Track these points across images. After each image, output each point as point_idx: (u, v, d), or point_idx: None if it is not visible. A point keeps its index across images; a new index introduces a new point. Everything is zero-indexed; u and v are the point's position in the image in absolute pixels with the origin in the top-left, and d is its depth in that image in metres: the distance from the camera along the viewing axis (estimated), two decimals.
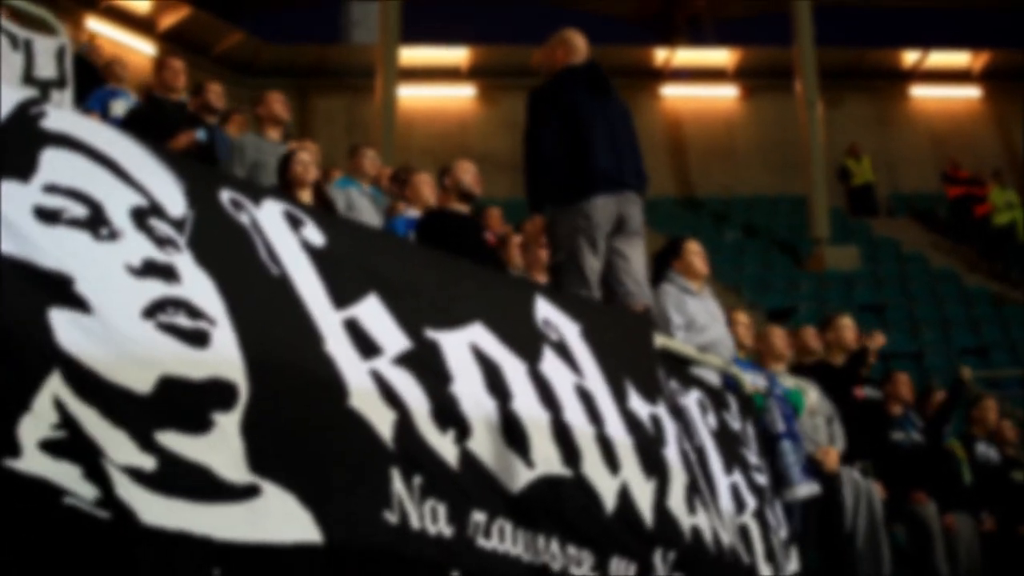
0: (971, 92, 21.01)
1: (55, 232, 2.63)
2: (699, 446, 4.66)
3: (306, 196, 6.05)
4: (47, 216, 2.63)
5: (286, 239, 3.21)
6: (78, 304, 2.58)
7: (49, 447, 2.46)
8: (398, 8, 17.17)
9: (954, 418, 8.21)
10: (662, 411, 4.33)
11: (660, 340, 4.81)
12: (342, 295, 3.24)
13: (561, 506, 3.66)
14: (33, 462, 2.43)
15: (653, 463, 4.13)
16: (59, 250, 2.61)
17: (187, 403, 2.70)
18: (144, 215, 2.83)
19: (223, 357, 2.80)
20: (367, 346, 3.24)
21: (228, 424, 2.74)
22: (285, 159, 6.29)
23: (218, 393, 2.75)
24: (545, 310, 4.02)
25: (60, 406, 2.47)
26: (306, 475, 2.87)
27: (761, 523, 4.91)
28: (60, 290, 2.57)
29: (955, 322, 15.08)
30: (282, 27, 22.31)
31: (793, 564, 5.13)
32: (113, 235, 2.73)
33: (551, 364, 3.90)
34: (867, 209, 18.76)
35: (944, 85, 20.90)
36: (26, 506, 2.47)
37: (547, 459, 3.66)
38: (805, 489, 5.56)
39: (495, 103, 19.34)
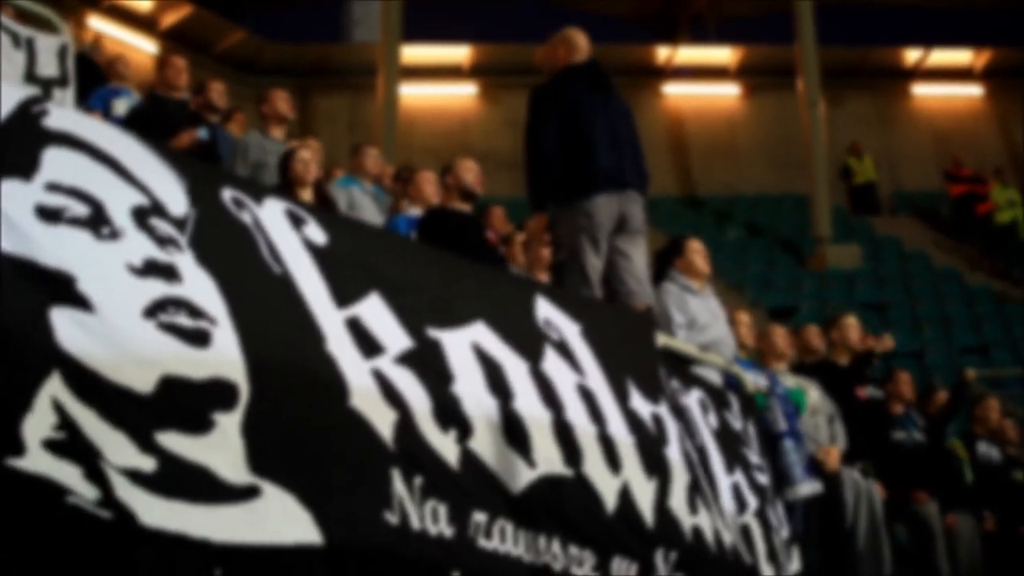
0: (973, 90, 21.00)
1: (56, 231, 2.63)
2: (700, 446, 4.66)
3: (307, 195, 6.05)
4: (48, 215, 2.63)
5: (288, 238, 3.20)
6: (79, 303, 2.57)
7: (52, 446, 2.45)
8: (400, 7, 17.16)
9: (956, 417, 8.20)
10: (664, 410, 4.33)
11: (662, 339, 4.81)
12: (344, 294, 3.24)
13: (562, 506, 3.65)
14: (37, 461, 2.43)
15: (655, 463, 4.12)
16: (60, 249, 2.61)
17: (188, 403, 2.70)
18: (145, 214, 2.83)
19: (224, 357, 2.79)
20: (369, 345, 3.24)
21: (229, 424, 2.74)
22: (285, 157, 6.29)
23: (219, 393, 2.75)
24: (546, 310, 4.02)
25: (59, 408, 2.47)
26: (306, 475, 2.87)
27: (763, 523, 4.91)
28: (61, 289, 2.57)
29: (957, 321, 15.08)
30: (284, 26, 22.35)
31: (795, 564, 5.12)
32: (114, 234, 2.73)
33: (552, 363, 3.90)
34: (869, 208, 18.76)
35: (946, 83, 20.89)
36: (30, 504, 2.47)
37: (548, 459, 3.66)
38: (807, 488, 5.55)
39: (497, 101, 19.34)
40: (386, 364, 3.26)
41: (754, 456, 5.11)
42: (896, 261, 16.98)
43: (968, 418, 8.45)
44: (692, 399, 4.81)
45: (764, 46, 20.35)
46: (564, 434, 3.76)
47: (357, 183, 7.47)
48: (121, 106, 7.75)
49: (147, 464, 2.56)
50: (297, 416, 2.93)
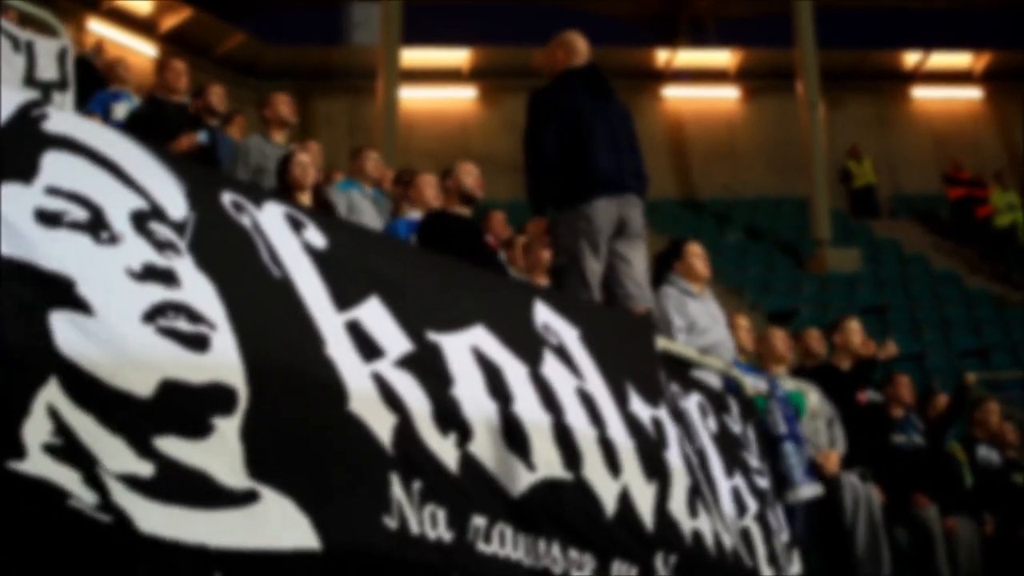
0: (972, 93, 21.01)
1: (56, 235, 2.63)
2: (700, 449, 4.65)
3: (305, 199, 6.04)
4: (48, 219, 2.63)
5: (288, 241, 3.20)
6: (78, 307, 2.57)
7: (51, 451, 2.45)
8: (399, 10, 17.18)
9: (956, 421, 8.19)
10: (663, 414, 4.33)
11: (661, 343, 4.81)
12: (343, 297, 3.24)
13: (562, 509, 3.65)
14: (38, 464, 2.42)
15: (654, 466, 4.12)
16: (60, 253, 2.60)
17: (186, 408, 2.69)
18: (145, 218, 2.83)
19: (223, 361, 2.79)
20: (368, 348, 3.24)
21: (228, 429, 2.73)
22: (284, 161, 6.27)
23: (218, 397, 2.74)
24: (544, 315, 4.02)
25: (55, 414, 2.46)
26: (305, 480, 2.86)
27: (763, 526, 4.91)
28: (60, 293, 2.56)
29: (956, 324, 15.08)
30: (284, 29, 22.37)
31: (795, 567, 5.12)
32: (113, 239, 2.73)
33: (552, 367, 3.90)
34: (868, 210, 18.76)
35: (945, 86, 20.90)
36: (32, 507, 2.47)
37: (548, 462, 3.66)
38: (808, 490, 5.54)
39: (496, 104, 19.34)
40: (386, 368, 3.26)
41: (754, 460, 5.11)
42: (896, 264, 16.97)
43: (968, 421, 8.44)
44: (691, 403, 4.80)
45: (764, 49, 20.37)
46: (564, 438, 3.76)
47: (357, 186, 7.46)
48: (121, 110, 7.74)
49: (145, 469, 2.55)
50: (296, 420, 2.92)
